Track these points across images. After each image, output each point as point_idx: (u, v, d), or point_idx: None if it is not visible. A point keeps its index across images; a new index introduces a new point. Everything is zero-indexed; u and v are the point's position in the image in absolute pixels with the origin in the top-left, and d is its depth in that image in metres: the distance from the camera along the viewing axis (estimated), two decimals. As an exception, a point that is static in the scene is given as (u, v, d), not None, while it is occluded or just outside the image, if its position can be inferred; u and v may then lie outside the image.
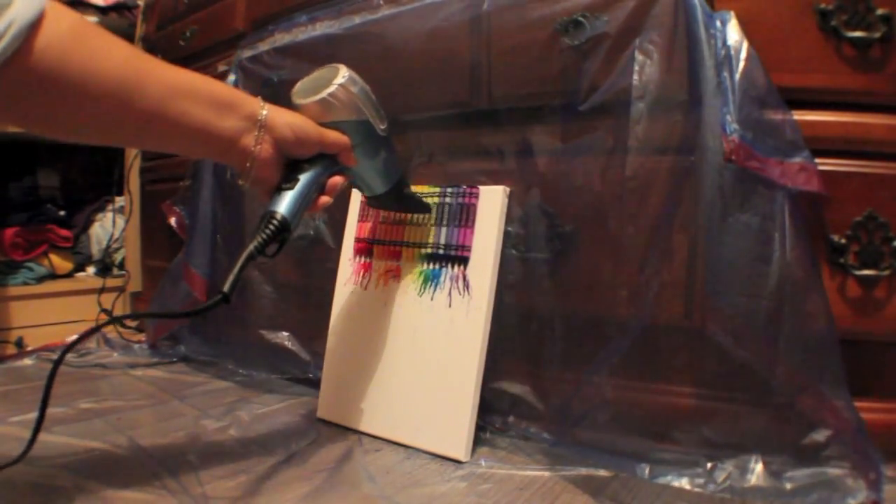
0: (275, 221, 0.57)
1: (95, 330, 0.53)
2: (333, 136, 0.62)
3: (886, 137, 0.62)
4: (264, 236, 0.56)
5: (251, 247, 0.56)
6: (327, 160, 0.62)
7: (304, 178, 0.59)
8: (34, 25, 0.44)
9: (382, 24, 0.86)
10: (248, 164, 0.58)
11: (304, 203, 0.60)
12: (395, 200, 0.76)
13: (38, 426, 0.53)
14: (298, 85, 0.65)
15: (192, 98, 0.54)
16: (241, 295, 1.07)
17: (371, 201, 0.77)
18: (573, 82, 0.70)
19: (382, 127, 0.66)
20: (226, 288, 0.54)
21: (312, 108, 0.62)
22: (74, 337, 1.29)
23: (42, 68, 0.45)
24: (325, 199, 0.62)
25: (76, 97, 0.47)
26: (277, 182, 0.60)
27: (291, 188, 0.59)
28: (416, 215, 0.80)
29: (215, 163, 1.09)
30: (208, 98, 0.55)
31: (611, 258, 0.69)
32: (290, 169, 0.60)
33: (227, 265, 1.08)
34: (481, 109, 0.78)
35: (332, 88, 0.61)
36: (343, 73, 0.62)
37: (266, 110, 0.58)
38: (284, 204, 0.58)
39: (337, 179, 0.63)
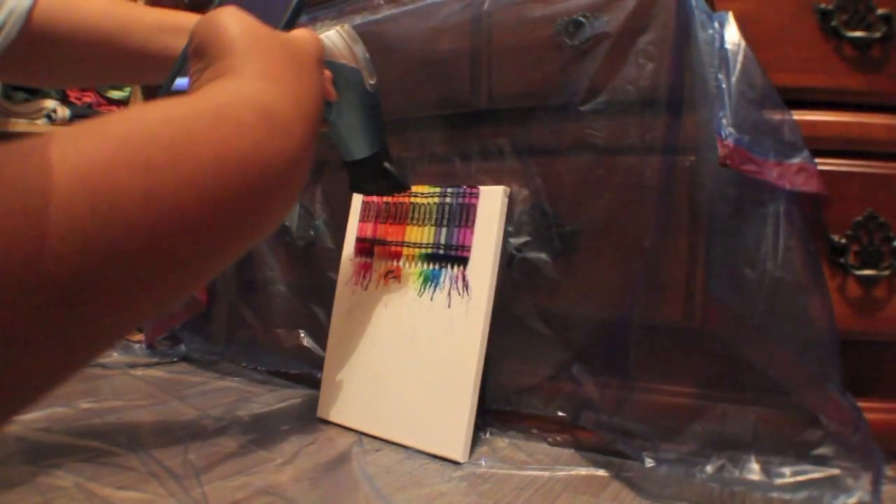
0: None
1: None
2: None
3: (886, 137, 0.62)
4: None
5: None
6: None
7: None
8: (31, 7, 0.53)
9: (383, 25, 0.86)
10: None
11: None
12: (373, 171, 0.74)
13: None
14: None
15: (173, 32, 0.60)
16: (247, 295, 1.07)
17: (350, 167, 0.75)
18: (573, 82, 0.70)
19: (371, 82, 0.69)
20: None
21: None
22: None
23: (40, 37, 0.54)
24: None
25: (70, 52, 0.56)
26: None
27: None
28: (416, 214, 0.80)
29: None
30: (188, 31, 0.61)
31: (611, 258, 0.69)
32: None
33: (231, 266, 1.08)
34: (481, 109, 0.78)
35: (328, 31, 0.66)
36: (344, 25, 0.68)
37: None
38: None
39: None
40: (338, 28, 0.67)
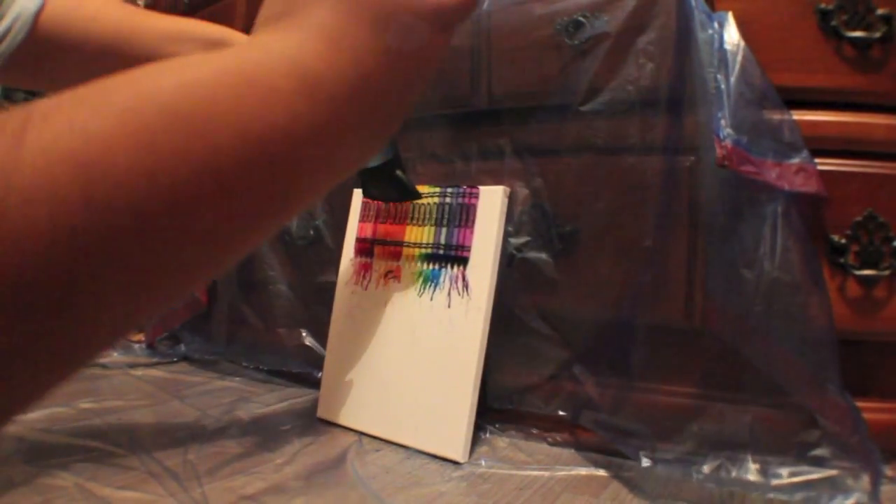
0: None
1: None
2: None
3: (886, 137, 0.62)
4: None
5: None
6: None
7: None
8: (38, 12, 0.53)
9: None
10: None
11: None
12: (385, 179, 0.75)
13: None
14: None
15: (183, 40, 0.59)
16: (248, 295, 1.07)
17: (362, 175, 0.75)
18: (573, 82, 0.70)
19: None
20: None
21: None
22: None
23: (46, 43, 0.53)
24: None
25: (76, 59, 0.55)
26: None
27: None
28: (416, 214, 0.80)
29: None
30: (199, 38, 0.60)
31: (611, 258, 0.69)
32: None
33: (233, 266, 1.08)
34: (481, 109, 0.78)
35: None
36: None
37: None
38: None
39: None
40: None
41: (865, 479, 0.57)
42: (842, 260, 0.62)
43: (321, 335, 0.92)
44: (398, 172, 0.74)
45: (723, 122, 0.58)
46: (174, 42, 0.59)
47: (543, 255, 0.73)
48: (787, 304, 0.59)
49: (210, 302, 1.11)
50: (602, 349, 0.70)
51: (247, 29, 1.12)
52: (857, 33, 0.61)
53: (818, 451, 0.59)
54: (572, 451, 0.71)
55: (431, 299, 0.76)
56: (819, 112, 0.63)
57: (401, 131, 0.86)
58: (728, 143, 0.57)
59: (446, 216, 0.78)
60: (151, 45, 0.57)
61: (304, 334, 0.97)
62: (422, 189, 0.80)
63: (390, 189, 0.76)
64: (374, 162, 0.72)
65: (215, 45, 0.61)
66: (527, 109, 0.74)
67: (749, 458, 0.62)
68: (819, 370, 0.59)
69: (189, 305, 1.11)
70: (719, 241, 0.61)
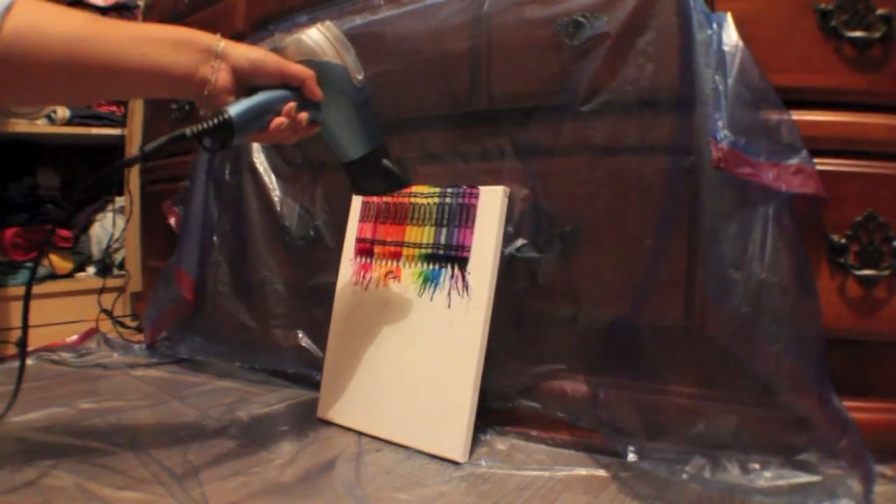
0: (220, 116, 0.59)
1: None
2: (295, 66, 0.64)
3: (886, 137, 0.62)
4: (204, 125, 0.59)
5: (188, 128, 0.59)
6: (291, 89, 0.64)
7: (261, 93, 0.62)
8: (9, 7, 0.51)
9: (383, 25, 0.86)
10: (205, 92, 0.61)
11: (256, 113, 0.61)
12: (373, 171, 0.71)
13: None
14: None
15: (149, 43, 0.58)
16: (246, 295, 1.07)
17: (348, 168, 0.72)
18: (573, 82, 0.70)
19: (359, 77, 0.67)
20: (147, 146, 0.59)
21: (289, 48, 0.65)
22: (74, 337, 1.29)
23: (8, 50, 0.52)
24: (279, 120, 0.63)
25: (41, 68, 0.54)
26: None
27: (246, 97, 0.62)
28: (416, 214, 0.80)
29: (210, 165, 1.09)
30: (165, 40, 0.59)
31: (611, 258, 0.69)
32: (252, 90, 0.63)
33: (225, 265, 1.08)
34: (481, 109, 0.78)
35: (308, 30, 0.65)
36: (325, 22, 0.66)
37: (222, 43, 0.61)
38: (235, 106, 0.60)
39: (293, 105, 0.63)
40: (318, 26, 0.65)
41: (855, 484, 0.56)
42: (842, 260, 0.62)
43: (318, 336, 0.92)
44: (385, 161, 0.71)
45: (719, 123, 0.58)
46: (139, 45, 0.57)
47: (543, 256, 0.73)
48: (775, 306, 0.59)
49: (197, 300, 1.10)
50: (602, 349, 0.70)
51: (247, 29, 1.12)
52: (857, 33, 0.61)
53: (805, 456, 0.59)
54: (572, 451, 0.71)
55: (431, 299, 0.76)
56: (819, 112, 0.63)
57: (398, 130, 0.87)
58: (724, 145, 0.57)
59: (446, 216, 0.78)
60: (115, 50, 0.56)
61: (300, 335, 0.97)
62: (422, 189, 0.80)
63: (378, 180, 0.73)
64: (360, 152, 0.69)
65: (181, 46, 0.59)
66: (527, 110, 0.74)
67: (746, 458, 0.61)
68: (808, 373, 0.59)
69: (180, 305, 1.11)
70: (714, 241, 0.61)
